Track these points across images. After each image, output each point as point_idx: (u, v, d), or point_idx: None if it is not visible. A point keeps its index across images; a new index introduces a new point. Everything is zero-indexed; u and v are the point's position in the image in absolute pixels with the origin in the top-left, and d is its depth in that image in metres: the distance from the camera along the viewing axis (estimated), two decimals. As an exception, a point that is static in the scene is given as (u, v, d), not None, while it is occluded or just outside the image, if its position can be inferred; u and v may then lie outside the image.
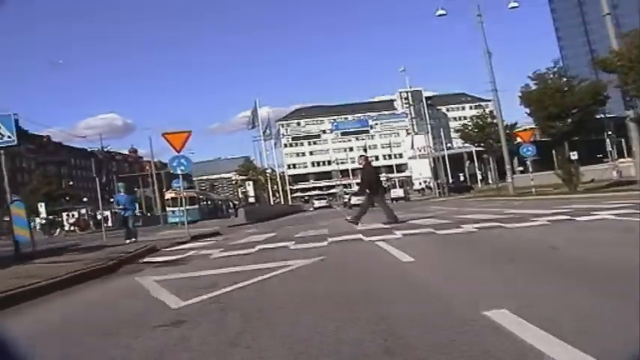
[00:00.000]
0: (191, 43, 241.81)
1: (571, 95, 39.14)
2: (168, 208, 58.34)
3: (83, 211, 65.02)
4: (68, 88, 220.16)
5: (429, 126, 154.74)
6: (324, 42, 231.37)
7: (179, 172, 23.46)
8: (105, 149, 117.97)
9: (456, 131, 48.58)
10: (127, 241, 20.32)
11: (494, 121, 43.64)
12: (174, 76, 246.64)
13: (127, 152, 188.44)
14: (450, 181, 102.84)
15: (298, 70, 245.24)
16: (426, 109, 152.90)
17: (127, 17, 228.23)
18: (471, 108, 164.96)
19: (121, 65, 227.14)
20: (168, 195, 59.94)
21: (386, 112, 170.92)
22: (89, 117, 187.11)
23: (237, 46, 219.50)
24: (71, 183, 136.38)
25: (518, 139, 38.59)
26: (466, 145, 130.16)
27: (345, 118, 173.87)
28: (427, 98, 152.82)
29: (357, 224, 18.35)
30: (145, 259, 13.17)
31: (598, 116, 48.75)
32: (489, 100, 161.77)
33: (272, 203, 69.00)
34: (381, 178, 24.30)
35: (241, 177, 64.98)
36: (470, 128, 44.07)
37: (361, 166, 20.30)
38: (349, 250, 11.26)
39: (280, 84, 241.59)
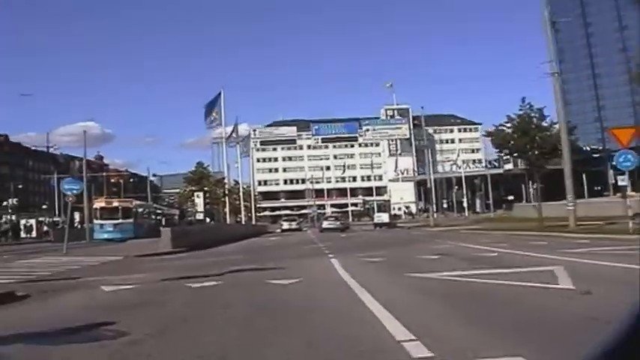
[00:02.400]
0: (172, 58, 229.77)
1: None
2: (95, 221, 46.69)
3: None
4: (48, 93, 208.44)
5: (413, 146, 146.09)
6: (306, 58, 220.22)
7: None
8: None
9: (487, 134, 35.87)
10: None
11: (545, 124, 32.74)
12: (153, 88, 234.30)
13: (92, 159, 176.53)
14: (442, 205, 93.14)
15: (280, 87, 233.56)
16: (411, 128, 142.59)
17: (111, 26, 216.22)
18: (459, 131, 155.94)
19: (103, 74, 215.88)
20: (98, 204, 48.41)
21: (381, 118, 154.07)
22: (68, 124, 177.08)
23: (216, 61, 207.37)
24: (20, 186, 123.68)
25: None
26: (468, 167, 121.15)
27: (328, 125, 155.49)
28: (414, 117, 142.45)
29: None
30: None
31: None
32: (479, 124, 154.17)
33: (229, 222, 57.67)
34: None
35: (190, 187, 53.47)
36: (508, 129, 32.78)
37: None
38: None
39: (261, 101, 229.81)
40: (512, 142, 33.52)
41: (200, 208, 45.90)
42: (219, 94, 49.38)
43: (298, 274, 11.85)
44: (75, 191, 23.95)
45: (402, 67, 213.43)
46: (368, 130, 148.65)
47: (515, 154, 38.06)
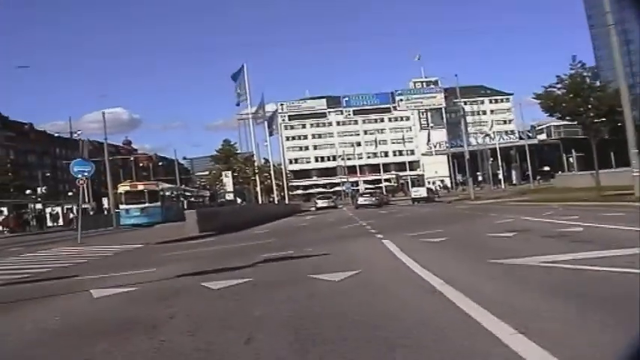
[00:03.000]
0: (197, 42, 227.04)
1: None
2: (121, 206, 44.54)
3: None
4: (77, 82, 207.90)
5: (445, 118, 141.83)
6: (332, 35, 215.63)
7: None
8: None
9: (536, 97, 31.93)
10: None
11: (600, 83, 29.35)
12: (179, 72, 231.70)
13: (121, 144, 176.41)
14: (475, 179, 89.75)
15: (307, 65, 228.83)
16: (443, 100, 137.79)
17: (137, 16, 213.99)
18: (490, 102, 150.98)
19: (131, 60, 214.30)
20: (122, 188, 46.17)
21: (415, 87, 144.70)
22: (95, 110, 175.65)
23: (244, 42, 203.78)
24: (48, 174, 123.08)
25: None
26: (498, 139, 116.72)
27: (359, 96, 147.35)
28: (444, 90, 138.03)
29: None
30: None
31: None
32: (510, 94, 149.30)
33: (261, 202, 55.10)
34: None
35: (218, 166, 50.65)
36: (559, 91, 29.46)
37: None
38: None
39: (288, 79, 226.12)
40: (564, 105, 30.21)
41: (229, 188, 43.37)
42: (242, 67, 46.77)
43: (350, 263, 9.19)
44: (86, 174, 22.14)
45: (428, 41, 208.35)
46: (402, 100, 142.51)
47: (568, 118, 34.30)
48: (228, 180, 43.08)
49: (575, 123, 35.38)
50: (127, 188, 45.87)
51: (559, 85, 30.01)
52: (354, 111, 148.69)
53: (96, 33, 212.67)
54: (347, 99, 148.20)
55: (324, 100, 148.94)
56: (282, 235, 20.11)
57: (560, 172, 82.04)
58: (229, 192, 44.13)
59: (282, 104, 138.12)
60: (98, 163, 36.58)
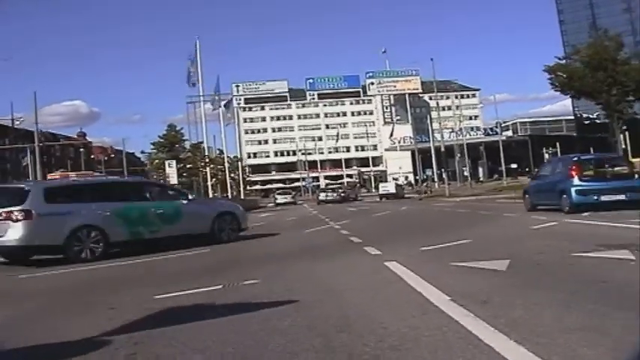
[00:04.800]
0: (158, 34, 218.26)
1: None
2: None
3: None
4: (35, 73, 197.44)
5: (409, 113, 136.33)
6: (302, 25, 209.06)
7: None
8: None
9: (548, 70, 25.81)
10: None
11: (626, 53, 23.81)
12: (138, 64, 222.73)
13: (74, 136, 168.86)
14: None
15: (270, 58, 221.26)
16: (420, 85, 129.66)
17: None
18: (456, 97, 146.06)
19: (92, 51, 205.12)
20: (51, 177, 39.32)
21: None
22: (54, 103, 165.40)
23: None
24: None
25: None
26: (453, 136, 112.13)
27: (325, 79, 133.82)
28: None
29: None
30: None
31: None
32: (477, 90, 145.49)
33: (212, 196, 48.76)
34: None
35: (160, 155, 43.84)
36: (577, 65, 23.76)
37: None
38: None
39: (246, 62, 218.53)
40: (581, 80, 24.69)
41: (173, 179, 36.98)
42: (195, 44, 40.66)
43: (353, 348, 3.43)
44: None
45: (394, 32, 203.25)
46: (372, 83, 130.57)
47: (586, 95, 28.51)
48: (172, 171, 36.74)
49: (594, 103, 30.00)
50: (56, 178, 39.08)
51: (575, 57, 24.54)
52: (318, 94, 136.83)
53: (58, 23, 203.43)
54: (311, 81, 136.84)
55: (285, 83, 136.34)
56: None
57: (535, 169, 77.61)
58: (173, 185, 37.82)
59: (237, 85, 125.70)
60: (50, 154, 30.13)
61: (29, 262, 11.68)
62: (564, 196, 15.35)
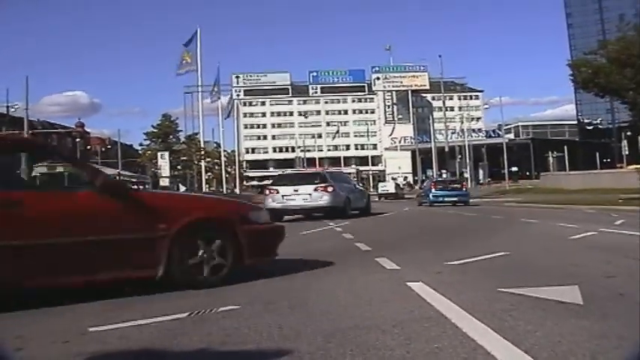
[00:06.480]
0: (160, 27, 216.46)
1: None
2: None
3: None
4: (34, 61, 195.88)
5: (411, 112, 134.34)
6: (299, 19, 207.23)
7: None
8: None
9: (572, 65, 23.74)
10: None
11: None
12: (143, 57, 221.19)
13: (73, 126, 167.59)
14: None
15: (271, 54, 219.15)
16: (427, 83, 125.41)
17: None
18: (459, 99, 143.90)
19: (92, 42, 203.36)
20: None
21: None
22: (55, 93, 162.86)
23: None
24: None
25: None
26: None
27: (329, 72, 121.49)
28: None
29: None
30: None
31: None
32: (480, 91, 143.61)
33: (206, 191, 46.93)
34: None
35: (153, 146, 42.07)
36: (605, 56, 21.86)
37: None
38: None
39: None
40: (607, 77, 22.77)
41: (165, 172, 35.02)
42: (195, 33, 38.74)
43: None
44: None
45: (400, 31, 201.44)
46: (378, 78, 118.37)
47: (611, 93, 26.33)
48: (164, 162, 34.84)
49: (620, 102, 27.96)
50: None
51: (601, 52, 22.70)
52: (321, 88, 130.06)
53: (59, 14, 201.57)
54: (315, 74, 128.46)
55: (287, 75, 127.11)
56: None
57: (544, 173, 75.79)
58: (164, 177, 35.89)
59: (237, 76, 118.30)
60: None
61: None
62: (428, 196, 31.97)
